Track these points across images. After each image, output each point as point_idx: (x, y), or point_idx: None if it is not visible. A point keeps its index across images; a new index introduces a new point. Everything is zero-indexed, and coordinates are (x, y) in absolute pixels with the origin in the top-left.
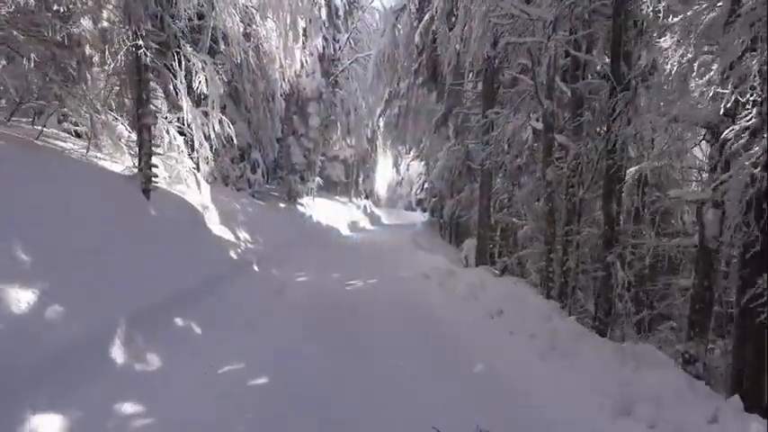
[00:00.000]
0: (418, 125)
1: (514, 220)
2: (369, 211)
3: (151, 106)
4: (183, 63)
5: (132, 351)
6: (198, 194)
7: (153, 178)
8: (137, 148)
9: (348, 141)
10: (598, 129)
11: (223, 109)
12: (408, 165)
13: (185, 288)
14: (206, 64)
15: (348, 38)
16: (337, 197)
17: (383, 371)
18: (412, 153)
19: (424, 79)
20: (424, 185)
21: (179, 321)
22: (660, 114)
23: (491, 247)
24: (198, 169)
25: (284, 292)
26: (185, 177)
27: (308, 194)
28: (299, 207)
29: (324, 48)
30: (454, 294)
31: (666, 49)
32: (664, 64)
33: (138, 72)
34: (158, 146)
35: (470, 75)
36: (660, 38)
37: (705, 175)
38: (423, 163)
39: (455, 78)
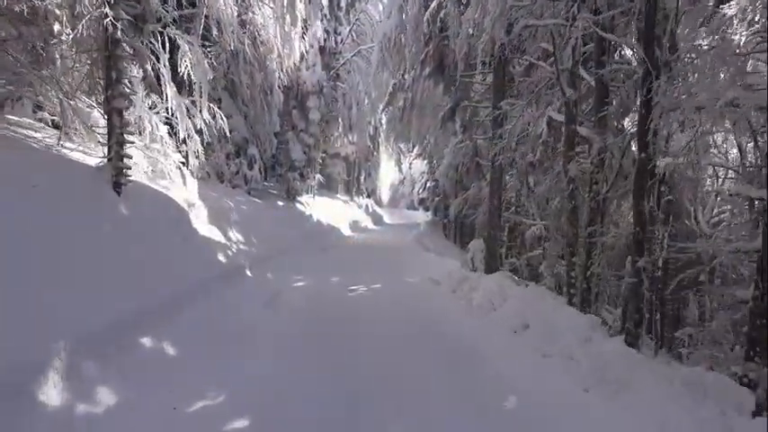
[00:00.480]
0: (423, 120)
1: (524, 219)
2: (371, 210)
3: (123, 87)
4: (168, 45)
5: (76, 387)
6: (185, 191)
7: (125, 170)
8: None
9: (350, 138)
10: (618, 121)
11: (218, 102)
12: (411, 163)
13: (158, 301)
14: (192, 46)
15: (350, 30)
16: (338, 196)
17: (393, 411)
18: (415, 150)
19: (431, 71)
20: (426, 184)
21: (146, 343)
22: (712, 98)
23: (500, 246)
24: (187, 163)
25: (278, 301)
26: (169, 172)
27: (307, 193)
28: (298, 206)
29: (325, 40)
30: (470, 303)
31: (731, 18)
32: (725, 37)
33: (107, 46)
34: (133, 133)
35: (480, 66)
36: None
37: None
38: (425, 162)
39: (464, 69)
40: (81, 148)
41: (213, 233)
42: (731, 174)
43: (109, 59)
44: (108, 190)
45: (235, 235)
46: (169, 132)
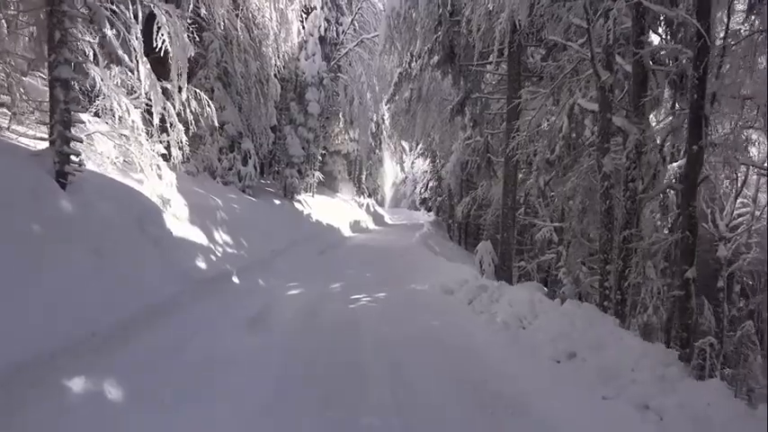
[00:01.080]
0: (429, 115)
1: (537, 221)
2: (372, 210)
3: (69, 53)
4: (141, 15)
5: None
6: (160, 185)
7: (72, 157)
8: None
9: (351, 135)
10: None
11: (210, 92)
12: (413, 162)
13: (104, 325)
14: (170, 17)
15: (352, 20)
16: (339, 195)
17: None
18: (420, 147)
19: (440, 59)
20: (428, 184)
21: (71, 386)
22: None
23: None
24: (169, 156)
25: (265, 318)
26: (142, 163)
27: (306, 191)
28: (296, 205)
29: (325, 30)
30: (492, 320)
31: None
32: None
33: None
34: (85, 110)
35: (494, 55)
36: None
37: None
38: (428, 161)
39: (477, 58)
40: (34, 131)
41: (194, 234)
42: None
43: (51, 16)
44: (48, 181)
45: (221, 236)
46: (146, 119)
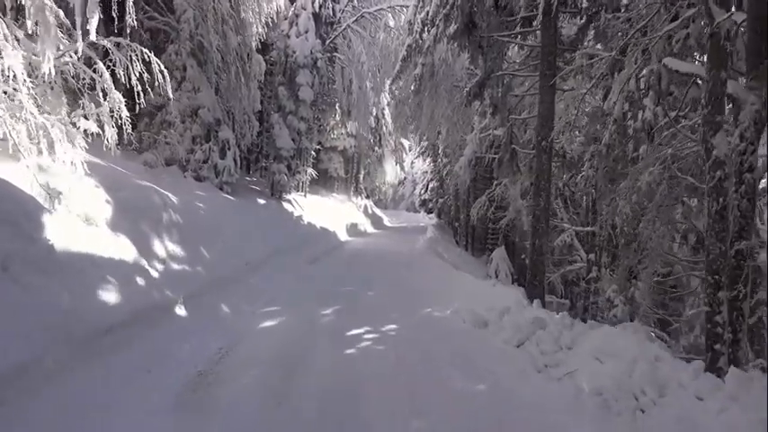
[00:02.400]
0: (438, 102)
1: (566, 226)
2: (370, 211)
3: None
4: None
5: None
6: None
7: None
8: None
9: (348, 128)
10: None
11: (182, 70)
12: (413, 162)
13: None
14: None
15: None
16: (335, 195)
17: None
18: (422, 145)
19: (458, 29)
20: (428, 185)
21: None
22: None
23: (522, 258)
24: (103, 135)
25: (210, 384)
26: (11, 133)
27: (298, 190)
28: (285, 205)
29: (320, 6)
30: (575, 388)
31: None
32: None
33: None
34: None
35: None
36: None
37: None
38: (429, 161)
39: (502, 29)
40: None
41: (114, 247)
42: None
43: None
44: None
45: (167, 247)
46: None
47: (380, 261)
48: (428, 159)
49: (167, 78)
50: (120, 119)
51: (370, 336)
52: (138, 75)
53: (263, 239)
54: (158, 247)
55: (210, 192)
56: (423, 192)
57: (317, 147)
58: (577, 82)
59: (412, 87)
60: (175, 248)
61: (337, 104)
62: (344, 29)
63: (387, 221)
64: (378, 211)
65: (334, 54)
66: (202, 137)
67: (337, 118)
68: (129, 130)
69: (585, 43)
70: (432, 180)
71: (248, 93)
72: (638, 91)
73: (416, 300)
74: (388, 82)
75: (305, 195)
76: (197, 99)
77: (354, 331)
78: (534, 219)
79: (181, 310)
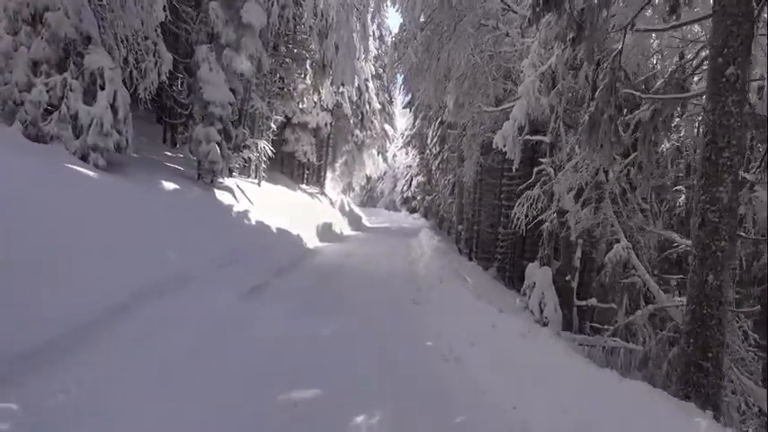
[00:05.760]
0: (459, 43)
1: (676, 236)
2: (347, 209)
3: None
4: None
5: None
6: None
7: None
8: None
9: (322, 98)
10: None
11: None
12: (395, 155)
13: None
14: None
15: None
16: (304, 186)
17: None
18: (426, 106)
19: None
20: (412, 181)
21: None
22: None
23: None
24: None
25: None
26: None
27: (248, 174)
28: (220, 195)
29: None
30: None
31: None
32: None
33: None
34: None
35: None
36: None
37: None
38: (415, 153)
39: None
40: None
41: None
42: None
43: None
44: None
45: None
46: None
47: (369, 290)
48: (413, 152)
49: None
50: None
51: None
52: None
53: (158, 254)
54: None
55: (56, 166)
56: (405, 188)
57: (280, 118)
58: None
59: (421, 18)
60: None
61: (308, 63)
62: None
63: (366, 221)
64: (356, 209)
65: None
66: (52, 62)
67: (308, 81)
68: None
69: None
70: (418, 174)
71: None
72: None
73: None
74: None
75: (258, 183)
76: None
77: None
78: (704, 228)
79: None
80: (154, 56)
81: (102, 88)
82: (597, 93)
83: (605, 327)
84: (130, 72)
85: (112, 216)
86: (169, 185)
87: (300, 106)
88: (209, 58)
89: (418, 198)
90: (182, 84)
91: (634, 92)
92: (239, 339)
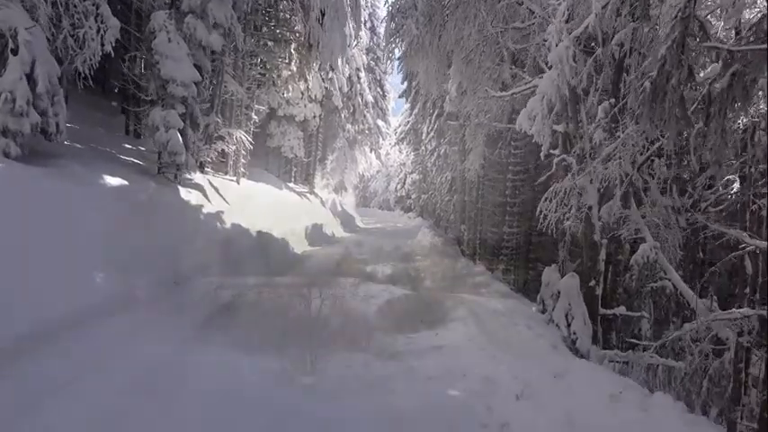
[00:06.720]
0: (469, 10)
1: (745, 235)
2: (339, 209)
3: None
4: None
5: None
6: None
7: None
8: None
9: (309, 87)
10: None
11: None
12: (387, 153)
13: None
14: None
15: None
16: (291, 184)
17: None
18: (427, 90)
19: None
20: (406, 179)
21: None
22: None
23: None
24: None
25: None
26: None
27: (218, 169)
28: (184, 193)
29: None
30: None
31: None
32: None
33: None
34: None
35: None
36: None
37: None
38: (409, 150)
39: None
40: None
41: None
42: None
43: None
44: None
45: None
46: None
47: (372, 307)
48: (407, 149)
49: None
50: None
51: None
52: None
53: (80, 274)
54: None
55: None
56: (399, 187)
57: (264, 109)
58: None
59: None
60: None
61: (292, 47)
62: None
63: (359, 221)
64: (350, 209)
65: None
66: None
67: (293, 67)
68: None
69: None
70: (412, 172)
71: None
72: None
73: None
74: None
75: (237, 180)
76: None
77: None
78: None
79: None
80: (96, 20)
81: (15, 53)
82: (662, 49)
83: (635, 340)
84: (64, 39)
85: (13, 222)
86: (113, 182)
87: (286, 96)
88: (168, 27)
89: (413, 197)
90: (138, 61)
91: (720, 45)
92: (176, 398)
